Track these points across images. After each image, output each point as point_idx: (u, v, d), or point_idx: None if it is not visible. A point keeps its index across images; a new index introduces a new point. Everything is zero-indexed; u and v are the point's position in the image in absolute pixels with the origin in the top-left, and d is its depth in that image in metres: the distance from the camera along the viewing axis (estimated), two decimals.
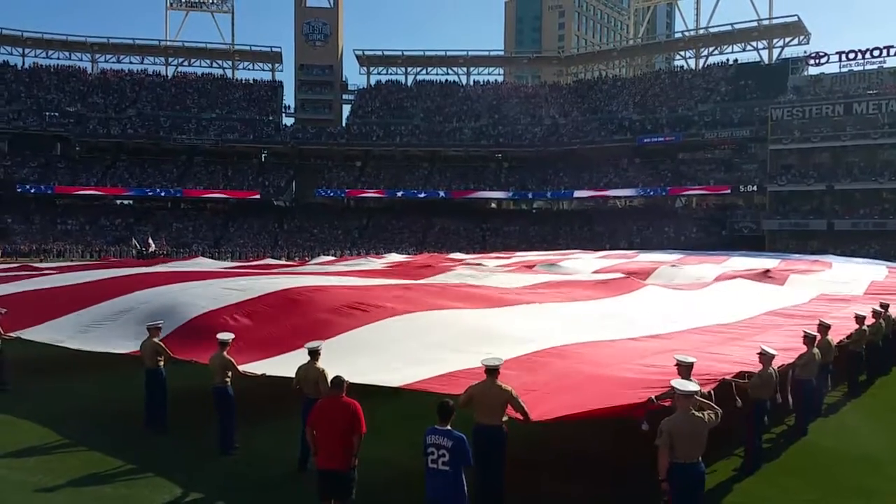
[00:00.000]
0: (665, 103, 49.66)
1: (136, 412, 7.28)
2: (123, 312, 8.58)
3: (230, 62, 57.23)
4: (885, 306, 10.14)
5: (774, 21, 49.51)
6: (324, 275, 12.17)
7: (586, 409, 4.74)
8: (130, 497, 5.42)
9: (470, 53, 58.44)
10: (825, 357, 7.61)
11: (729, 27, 51.31)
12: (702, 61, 52.98)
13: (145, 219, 46.35)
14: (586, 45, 77.84)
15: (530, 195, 49.50)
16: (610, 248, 32.34)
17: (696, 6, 60.65)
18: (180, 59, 56.81)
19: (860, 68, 41.03)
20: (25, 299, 9.97)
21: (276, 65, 57.29)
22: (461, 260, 19.82)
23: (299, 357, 6.15)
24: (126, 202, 48.96)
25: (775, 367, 6.14)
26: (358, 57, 57.31)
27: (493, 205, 52.69)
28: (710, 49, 52.77)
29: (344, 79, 58.94)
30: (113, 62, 56.17)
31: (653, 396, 4.58)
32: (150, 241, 38.12)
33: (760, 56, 50.35)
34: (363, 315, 7.67)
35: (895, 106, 38.01)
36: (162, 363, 7.15)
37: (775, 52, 49.11)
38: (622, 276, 13.16)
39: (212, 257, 29.11)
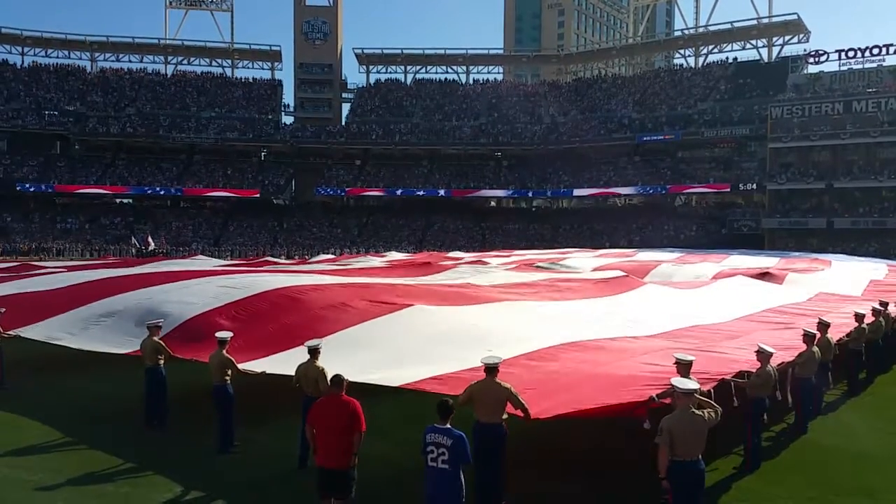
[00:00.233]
0: (665, 102, 49.61)
1: (136, 410, 7.28)
2: (123, 311, 8.57)
3: (230, 61, 57.15)
4: (884, 304, 10.14)
5: (774, 19, 49.47)
6: (322, 273, 12.16)
7: (586, 407, 4.74)
8: (131, 495, 5.42)
9: (469, 52, 58.41)
10: (825, 355, 7.61)
11: (728, 25, 51.28)
12: (701, 60, 52.94)
13: (145, 217, 46.30)
14: (586, 43, 77.73)
15: (530, 194, 49.47)
16: (609, 247, 32.34)
17: (695, 5, 60.68)
18: (180, 58, 56.72)
19: (860, 66, 40.99)
20: (24, 298, 9.96)
21: (276, 63, 57.25)
22: (460, 258, 19.81)
23: (298, 355, 6.16)
24: (125, 201, 48.92)
25: (774, 366, 6.14)
26: (357, 55, 57.23)
27: (493, 203, 52.67)
28: (710, 47, 52.71)
29: (343, 77, 58.88)
30: (112, 61, 56.17)
31: (653, 395, 4.59)
32: (150, 239, 38.10)
33: (760, 54, 50.37)
34: (362, 313, 7.67)
35: (894, 104, 37.99)
36: (162, 362, 7.15)
37: (775, 50, 49.10)
38: (622, 274, 13.16)
39: (211, 256, 29.11)
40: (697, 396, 4.47)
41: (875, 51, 40.38)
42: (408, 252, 31.25)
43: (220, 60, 57.20)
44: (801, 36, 48.39)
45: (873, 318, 9.52)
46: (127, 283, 10.07)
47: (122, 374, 8.58)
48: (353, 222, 48.47)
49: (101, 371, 9.21)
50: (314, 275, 11.36)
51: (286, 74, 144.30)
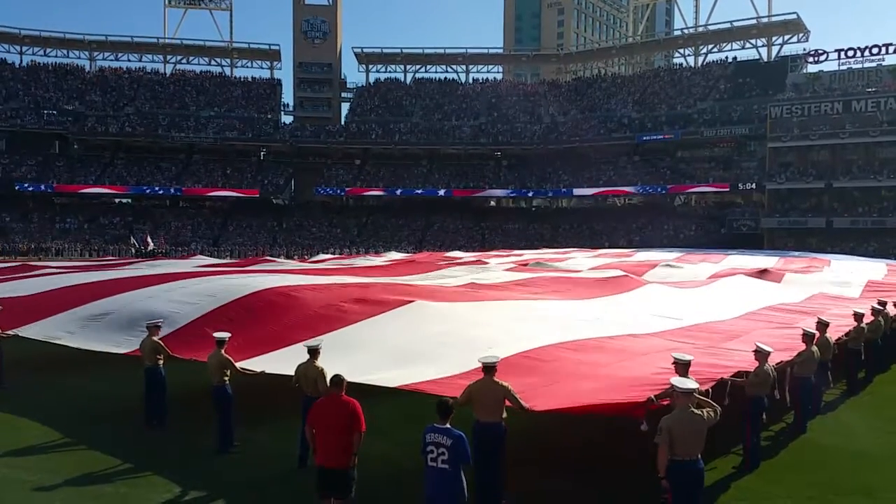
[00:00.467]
0: (664, 101, 49.62)
1: (136, 410, 7.27)
2: (122, 310, 8.56)
3: (229, 60, 57.09)
4: (883, 303, 10.15)
5: (773, 19, 49.48)
6: (319, 273, 12.15)
7: (584, 404, 4.75)
8: (129, 495, 5.42)
9: (469, 51, 58.39)
10: (824, 355, 7.62)
11: (728, 25, 51.28)
12: (701, 59, 52.96)
13: (144, 217, 46.26)
14: (585, 42, 77.72)
15: (529, 193, 49.46)
16: (609, 246, 32.36)
17: (695, 4, 60.71)
18: (179, 57, 56.65)
19: (859, 66, 41.00)
20: (23, 297, 9.93)
21: (275, 62, 57.20)
22: (459, 258, 19.80)
23: (297, 353, 6.15)
24: (124, 201, 48.87)
25: (772, 365, 6.14)
26: (357, 55, 57.19)
27: (493, 203, 52.66)
28: (710, 47, 52.72)
29: (343, 77, 58.84)
30: (111, 60, 56.10)
31: (652, 396, 4.59)
32: (149, 239, 38.07)
33: (759, 54, 50.37)
34: (361, 311, 7.66)
35: (894, 104, 38.01)
36: (161, 362, 7.14)
37: (774, 49, 49.11)
38: (622, 274, 13.16)
39: (211, 256, 29.09)
40: (696, 396, 4.47)
41: (874, 50, 40.40)
42: (407, 252, 31.26)
43: (219, 60, 57.15)
44: (801, 35, 48.41)
45: (872, 318, 9.52)
46: (127, 283, 10.06)
47: (121, 373, 8.57)
48: (352, 222, 48.45)
49: (100, 371, 9.20)
50: (307, 275, 11.35)
51: (285, 74, 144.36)
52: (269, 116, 52.88)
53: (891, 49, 39.75)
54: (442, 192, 48.32)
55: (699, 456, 4.36)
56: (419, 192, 48.49)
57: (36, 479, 5.69)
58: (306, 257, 28.61)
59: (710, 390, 5.09)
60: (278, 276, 10.70)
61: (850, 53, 40.98)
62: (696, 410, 4.38)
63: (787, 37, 48.71)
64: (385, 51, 57.14)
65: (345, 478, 4.55)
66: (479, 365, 5.02)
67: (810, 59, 43.89)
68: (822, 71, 43.08)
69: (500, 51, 69.43)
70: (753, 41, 50.73)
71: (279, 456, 6.18)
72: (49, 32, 53.58)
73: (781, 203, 40.61)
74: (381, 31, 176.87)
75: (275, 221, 47.90)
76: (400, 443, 6.19)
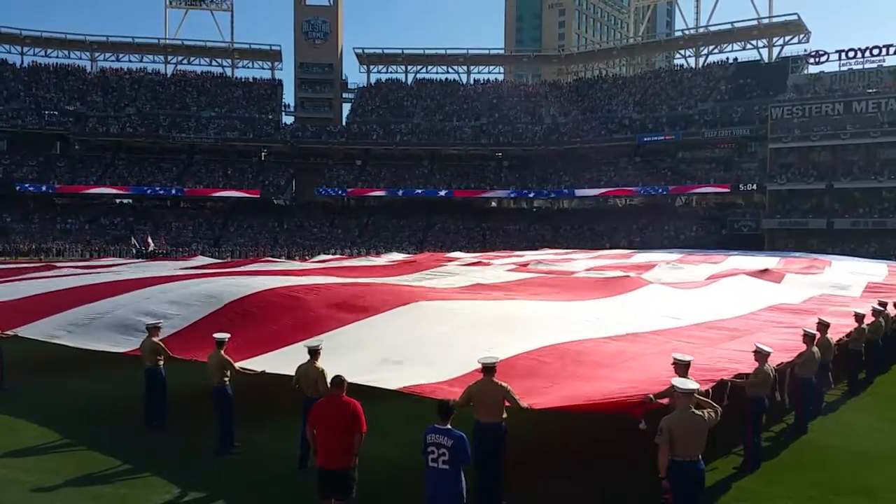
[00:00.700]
0: (665, 102, 49.61)
1: (136, 411, 7.27)
2: (121, 310, 8.57)
3: (230, 60, 57.15)
4: (884, 304, 10.14)
5: (774, 20, 49.47)
6: (317, 273, 12.14)
7: (583, 402, 4.75)
8: (129, 496, 5.41)
9: (470, 52, 58.39)
10: (825, 355, 7.61)
11: (729, 26, 51.28)
12: (702, 60, 52.94)
13: (145, 218, 46.30)
14: (586, 43, 77.75)
15: (531, 194, 49.45)
16: (610, 247, 32.31)
17: (696, 5, 60.59)
18: (180, 58, 56.72)
19: (860, 67, 40.98)
20: (22, 298, 9.94)
21: (276, 63, 57.24)
22: (460, 259, 19.80)
23: (297, 353, 6.15)
24: (125, 201, 48.92)
25: (772, 365, 6.13)
26: (358, 55, 57.23)
27: (494, 204, 52.65)
28: (710, 48, 52.71)
29: (344, 77, 58.87)
30: (112, 60, 56.15)
31: (651, 395, 4.58)
32: (150, 240, 38.10)
33: (760, 55, 50.35)
34: (361, 311, 7.66)
35: (894, 105, 37.98)
36: (161, 362, 7.14)
37: (775, 50, 49.09)
38: (623, 274, 13.15)
39: (211, 256, 29.10)
40: (697, 396, 4.47)
41: (875, 51, 40.38)
42: (408, 253, 31.26)
43: (220, 60, 57.21)
44: (802, 36, 48.40)
45: (873, 319, 9.51)
46: (126, 285, 10.07)
47: (121, 374, 8.57)
48: (353, 223, 48.46)
49: (100, 372, 9.20)
50: (307, 275, 11.34)
51: (286, 74, 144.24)
52: (270, 117, 52.92)
53: (891, 50, 39.73)
54: (443, 193, 48.32)
55: (700, 456, 4.35)
56: (420, 192, 48.50)
57: (35, 479, 5.68)
58: (307, 258, 28.62)
59: (710, 390, 5.09)
60: (278, 276, 10.69)
61: (851, 54, 40.96)
62: (696, 411, 4.38)
63: (787, 38, 48.70)
64: (386, 51, 57.21)
65: (345, 479, 4.55)
66: (479, 366, 5.02)
67: (811, 60, 43.88)
68: (822, 72, 43.07)
69: (501, 51, 69.50)
70: (754, 42, 50.74)
71: (280, 457, 6.17)
72: (50, 33, 53.68)
73: (782, 204, 40.58)
74: (382, 31, 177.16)
75: (276, 222, 47.92)
76: (401, 443, 6.19)
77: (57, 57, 54.52)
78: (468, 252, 27.91)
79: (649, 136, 46.85)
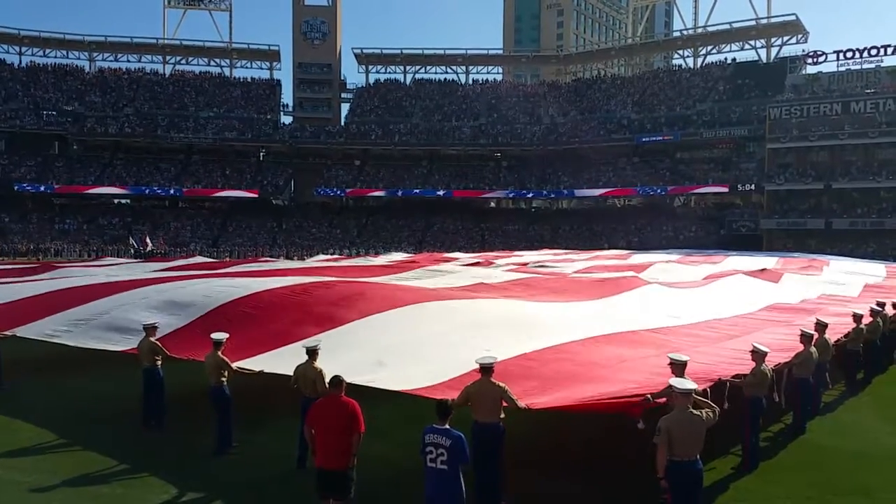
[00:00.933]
0: (663, 102, 49.67)
1: (133, 411, 7.26)
2: (119, 309, 8.55)
3: (228, 60, 57.09)
4: (882, 305, 10.16)
5: (772, 20, 49.54)
6: (315, 272, 12.12)
7: (581, 402, 4.76)
8: (127, 496, 5.40)
9: (469, 52, 58.40)
10: (823, 356, 7.62)
11: (727, 26, 51.36)
12: (700, 60, 53.01)
13: (143, 218, 46.23)
14: (585, 43, 77.80)
15: (529, 194, 49.48)
16: (609, 248, 32.35)
17: (694, 5, 60.77)
18: (178, 58, 56.64)
19: (858, 67, 41.07)
20: (20, 300, 9.91)
21: (275, 63, 57.20)
22: (459, 259, 19.79)
23: (295, 352, 6.14)
24: (124, 201, 48.83)
25: (769, 365, 6.13)
26: (356, 55, 57.21)
27: (493, 204, 52.66)
28: (709, 48, 52.79)
29: (342, 77, 58.84)
30: (110, 61, 56.07)
31: (649, 395, 4.59)
32: (148, 240, 38.05)
33: (759, 55, 50.41)
34: (359, 311, 7.65)
35: (892, 105, 38.06)
36: (159, 362, 7.13)
37: (773, 51, 49.18)
38: (621, 275, 13.16)
39: (210, 256, 29.06)
40: (695, 396, 4.47)
41: (873, 52, 40.48)
42: (407, 253, 31.25)
43: (218, 60, 57.15)
44: (800, 36, 48.49)
45: (871, 319, 9.53)
46: (124, 284, 10.06)
47: (119, 374, 8.55)
48: (352, 223, 48.43)
49: (98, 372, 9.18)
50: (305, 274, 11.31)
51: (285, 74, 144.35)
52: (269, 117, 52.87)
53: (889, 50, 39.84)
54: (442, 193, 48.31)
55: (698, 456, 4.36)
56: (419, 192, 48.49)
57: (33, 479, 5.67)
58: (305, 258, 28.61)
59: (709, 390, 5.09)
60: (274, 277, 10.68)
61: (849, 55, 41.06)
62: (694, 411, 4.38)
63: (786, 38, 48.78)
64: (385, 51, 57.20)
65: (344, 479, 4.55)
66: (477, 366, 5.02)
67: (809, 61, 43.98)
68: (820, 72, 43.16)
69: (500, 52, 69.50)
70: (752, 42, 50.82)
71: (278, 457, 6.16)
72: (48, 33, 53.57)
73: (780, 204, 40.64)
74: (380, 31, 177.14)
75: (274, 222, 47.87)
76: (399, 443, 6.18)
77: (55, 57, 54.44)
78: (467, 252, 27.91)
79: (648, 137, 46.90)
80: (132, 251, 36.04)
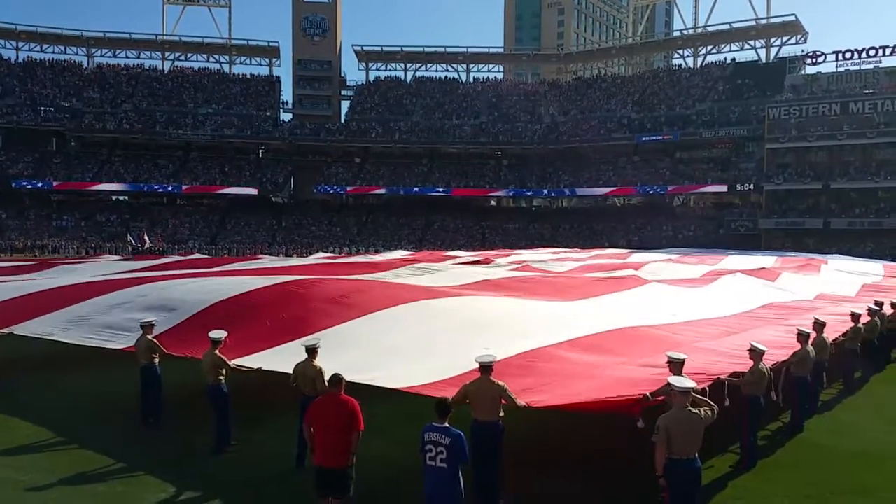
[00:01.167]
0: (663, 102, 49.66)
1: (131, 409, 7.24)
2: (117, 307, 8.53)
3: (227, 57, 56.91)
4: (879, 304, 10.18)
5: (772, 20, 49.55)
6: (314, 271, 12.09)
7: (580, 401, 4.75)
8: (125, 495, 5.39)
9: (469, 50, 58.31)
10: (820, 354, 7.63)
11: (727, 26, 51.34)
12: (700, 60, 53.01)
13: (141, 215, 46.11)
14: (585, 42, 77.76)
15: (530, 193, 49.47)
16: (609, 246, 32.35)
17: (694, 5, 60.76)
18: (177, 54, 56.46)
19: (857, 68, 41.10)
20: (16, 298, 9.88)
21: (274, 60, 57.02)
22: (458, 257, 19.76)
23: (294, 350, 6.13)
24: (122, 198, 48.69)
25: (766, 364, 6.13)
26: (357, 52, 57.07)
27: (493, 202, 52.64)
28: (708, 48, 52.79)
29: (342, 74, 58.69)
30: (109, 56, 55.75)
31: (647, 393, 4.59)
32: (146, 237, 37.97)
33: (758, 55, 50.42)
34: (357, 308, 7.64)
35: (891, 105, 38.10)
36: (157, 360, 7.11)
37: (773, 51, 49.19)
38: (620, 274, 13.17)
39: (208, 254, 29.02)
40: (693, 395, 4.47)
41: (872, 52, 40.51)
42: (407, 251, 31.23)
43: (217, 56, 56.97)
44: (799, 37, 48.50)
45: (869, 318, 9.55)
46: (122, 282, 10.03)
47: (116, 372, 8.52)
48: (352, 221, 48.38)
49: (95, 370, 9.15)
50: (304, 273, 11.26)
51: (284, 71, 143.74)
52: (268, 114, 52.73)
53: (888, 51, 39.87)
54: (442, 192, 48.28)
55: (696, 455, 4.36)
56: (419, 191, 48.44)
57: (29, 478, 5.65)
58: (305, 256, 28.56)
59: (708, 389, 5.09)
60: (269, 276, 10.65)
61: (848, 55, 41.08)
62: (693, 409, 4.38)
63: (785, 38, 48.79)
64: (385, 49, 57.04)
65: (343, 477, 4.54)
66: (477, 365, 5.01)
67: (808, 61, 43.98)
68: (819, 72, 43.18)
69: (501, 50, 69.39)
70: (752, 42, 50.82)
71: (277, 455, 6.15)
72: (46, 28, 53.40)
73: (779, 204, 40.70)
74: (381, 29, 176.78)
75: (274, 220, 47.79)
76: (398, 442, 6.18)
77: (53, 52, 54.21)
78: (467, 251, 27.90)
79: (648, 136, 46.91)
80: (130, 248, 35.96)
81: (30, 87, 50.01)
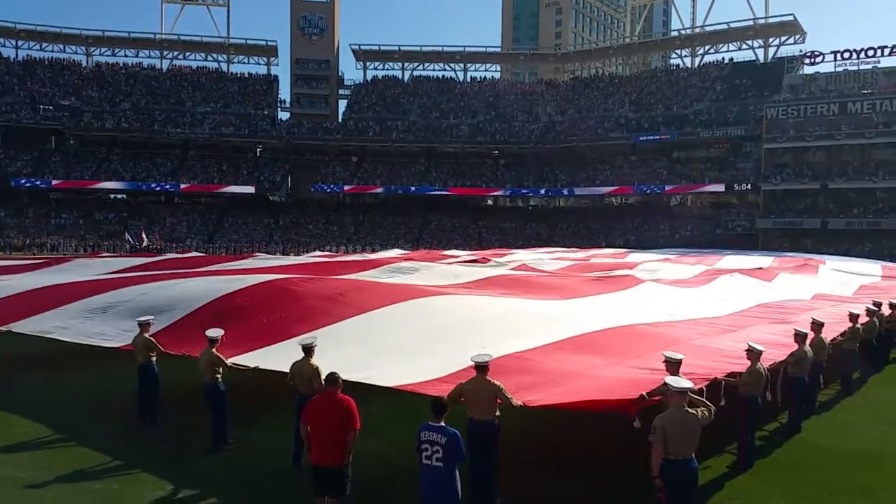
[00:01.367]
0: (661, 101, 49.69)
1: (128, 407, 7.24)
2: (115, 305, 8.51)
3: (225, 56, 56.79)
4: (878, 304, 10.20)
5: (770, 20, 49.60)
6: (311, 270, 12.07)
7: (577, 400, 4.76)
8: (122, 493, 5.38)
9: (467, 49, 58.21)
10: (818, 355, 7.64)
11: (725, 26, 51.37)
12: (697, 60, 53.03)
13: (139, 213, 46.03)
14: (583, 42, 77.79)
15: (527, 192, 49.48)
16: (606, 246, 32.39)
17: (692, 5, 60.66)
18: (175, 53, 56.31)
19: (855, 68, 41.18)
20: (14, 295, 9.85)
21: (272, 59, 56.90)
22: (456, 256, 19.75)
23: (290, 348, 6.13)
24: (120, 196, 48.59)
25: (764, 364, 6.14)
26: (354, 51, 57.00)
27: (490, 202, 52.64)
28: (706, 48, 52.82)
29: (340, 73, 58.59)
30: (108, 55, 55.56)
31: (644, 393, 4.59)
32: (144, 235, 37.89)
33: (756, 55, 50.45)
34: (354, 307, 7.63)
35: (889, 106, 38.19)
36: (154, 358, 7.10)
37: (771, 51, 49.24)
38: (617, 273, 13.18)
39: (205, 252, 28.97)
40: (690, 395, 4.47)
41: (870, 52, 40.59)
42: (404, 250, 31.21)
43: (215, 55, 56.85)
44: (797, 37, 48.56)
45: (867, 318, 9.57)
46: (120, 281, 10.01)
47: (114, 370, 8.51)
48: (349, 219, 48.34)
49: (93, 368, 9.14)
50: (302, 272, 11.24)
51: (282, 70, 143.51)
52: (266, 113, 52.64)
53: (886, 51, 39.95)
54: (439, 191, 48.26)
55: (693, 455, 4.36)
56: (416, 190, 48.42)
57: (27, 475, 5.64)
58: (301, 254, 28.53)
59: (704, 389, 5.10)
60: (269, 271, 10.63)
61: (846, 55, 41.16)
62: (690, 409, 4.39)
63: (783, 38, 48.85)
64: (383, 48, 56.97)
65: (339, 476, 4.54)
66: (472, 364, 5.01)
67: (806, 61, 44.05)
68: (818, 72, 43.26)
69: (498, 50, 69.31)
70: (750, 42, 50.85)
71: (273, 454, 6.15)
72: (45, 27, 53.21)
73: (777, 204, 40.77)
74: (378, 28, 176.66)
75: (271, 218, 47.74)
76: (395, 441, 6.18)
77: (52, 51, 54.03)
78: (464, 250, 27.89)
79: (645, 136, 46.94)
80: (128, 246, 35.89)
81: (29, 86, 49.85)
